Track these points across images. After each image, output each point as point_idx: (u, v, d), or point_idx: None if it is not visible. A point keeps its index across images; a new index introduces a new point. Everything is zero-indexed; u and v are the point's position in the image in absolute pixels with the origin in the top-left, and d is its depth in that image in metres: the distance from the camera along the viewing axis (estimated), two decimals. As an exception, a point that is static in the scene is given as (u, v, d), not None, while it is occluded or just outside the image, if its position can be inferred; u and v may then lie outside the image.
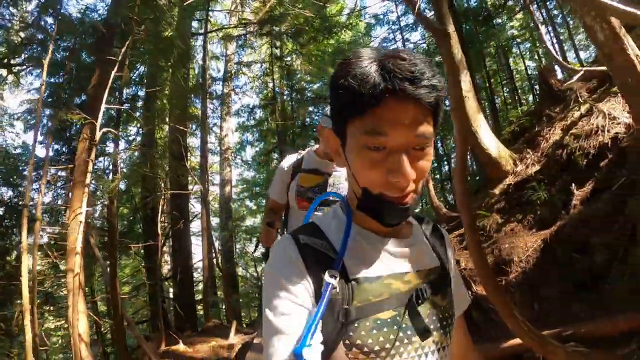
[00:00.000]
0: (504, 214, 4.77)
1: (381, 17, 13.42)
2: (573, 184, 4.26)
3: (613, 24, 2.57)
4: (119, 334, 6.25)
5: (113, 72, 5.61)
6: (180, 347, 6.33)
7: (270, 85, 13.49)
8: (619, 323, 2.81)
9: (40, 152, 8.23)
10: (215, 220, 15.27)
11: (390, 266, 0.74)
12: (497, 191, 5.10)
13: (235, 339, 6.94)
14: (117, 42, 6.67)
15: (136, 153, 8.99)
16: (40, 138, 7.67)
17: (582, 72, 4.61)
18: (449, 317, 0.78)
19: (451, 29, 6.39)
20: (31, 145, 7.58)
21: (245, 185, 18.24)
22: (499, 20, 12.05)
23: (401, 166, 0.65)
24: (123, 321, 6.14)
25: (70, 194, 5.98)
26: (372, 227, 0.75)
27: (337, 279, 0.66)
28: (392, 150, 0.65)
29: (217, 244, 12.65)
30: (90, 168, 5.40)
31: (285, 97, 13.74)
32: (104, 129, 5.86)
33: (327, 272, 0.66)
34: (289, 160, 2.35)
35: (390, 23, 13.47)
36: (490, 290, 2.50)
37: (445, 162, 13.97)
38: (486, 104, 12.86)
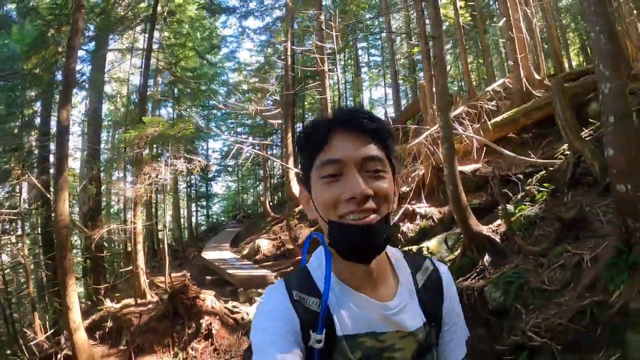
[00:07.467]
0: (299, 220, 11.66)
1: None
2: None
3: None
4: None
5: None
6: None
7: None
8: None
9: None
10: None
11: (368, 323, 0.72)
12: (296, 210, 11.99)
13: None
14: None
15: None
16: None
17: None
18: None
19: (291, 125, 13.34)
20: None
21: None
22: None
23: (351, 180, 0.68)
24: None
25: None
26: (347, 277, 0.74)
27: (322, 342, 0.67)
28: (344, 174, 0.69)
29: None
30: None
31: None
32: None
33: (312, 337, 0.68)
34: None
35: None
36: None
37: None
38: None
